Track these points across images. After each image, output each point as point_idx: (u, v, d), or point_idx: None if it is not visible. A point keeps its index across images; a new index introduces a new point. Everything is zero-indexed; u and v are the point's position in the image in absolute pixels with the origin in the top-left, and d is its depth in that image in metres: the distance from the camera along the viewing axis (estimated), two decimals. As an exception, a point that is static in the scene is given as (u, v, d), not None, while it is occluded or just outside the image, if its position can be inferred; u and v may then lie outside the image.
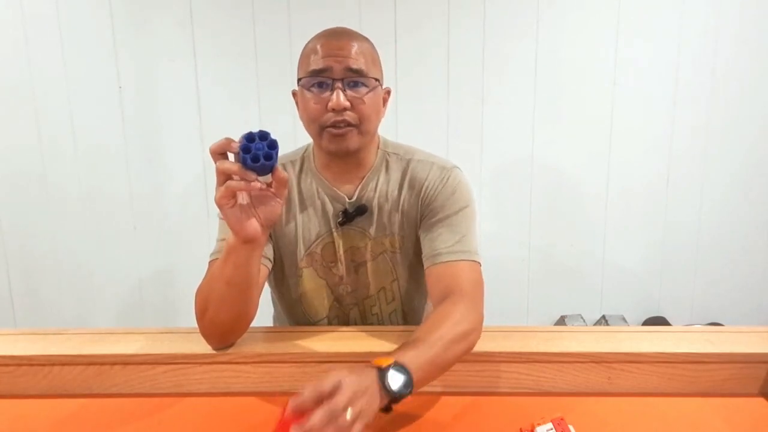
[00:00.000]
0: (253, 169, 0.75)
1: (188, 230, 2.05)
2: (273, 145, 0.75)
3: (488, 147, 2.00)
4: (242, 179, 0.76)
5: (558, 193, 2.04)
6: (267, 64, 1.94)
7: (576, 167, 2.02)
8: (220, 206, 0.79)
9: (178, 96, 1.96)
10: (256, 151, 0.74)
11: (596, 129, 2.00)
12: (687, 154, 2.01)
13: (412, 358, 0.77)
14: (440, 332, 0.83)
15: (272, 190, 0.81)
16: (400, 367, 0.74)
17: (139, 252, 2.06)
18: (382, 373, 0.73)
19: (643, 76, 1.96)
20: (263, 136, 0.75)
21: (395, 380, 0.73)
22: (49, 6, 1.89)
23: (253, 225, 0.81)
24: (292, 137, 1.95)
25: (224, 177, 0.77)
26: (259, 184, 0.77)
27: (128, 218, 2.03)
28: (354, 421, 0.66)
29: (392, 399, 0.73)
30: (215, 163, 0.78)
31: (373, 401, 0.70)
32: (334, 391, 0.67)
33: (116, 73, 1.94)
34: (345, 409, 0.66)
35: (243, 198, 0.80)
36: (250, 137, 0.75)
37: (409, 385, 0.74)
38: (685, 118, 1.98)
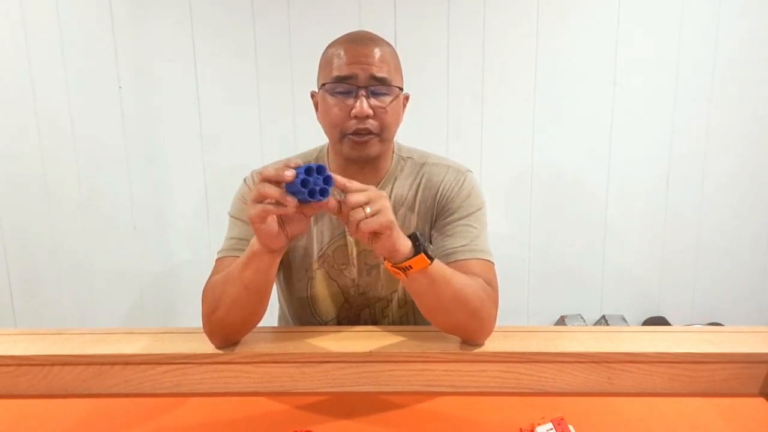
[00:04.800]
0: (304, 201, 0.75)
1: (188, 230, 2.05)
2: (328, 181, 0.75)
3: (488, 147, 2.00)
4: (279, 203, 0.75)
5: (558, 193, 2.04)
6: (267, 64, 1.94)
7: (576, 167, 2.02)
8: (252, 223, 0.79)
9: (178, 96, 1.96)
10: (314, 186, 0.74)
11: (596, 129, 2.00)
12: (687, 154, 2.01)
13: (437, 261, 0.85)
14: (464, 275, 0.90)
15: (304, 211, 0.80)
16: (427, 238, 0.84)
17: (139, 252, 2.06)
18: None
19: (643, 76, 1.96)
20: (320, 170, 0.75)
21: (422, 236, 0.82)
22: (49, 6, 1.89)
23: (281, 238, 0.81)
24: (292, 137, 1.96)
25: (262, 197, 0.76)
26: (293, 210, 0.75)
27: (128, 218, 2.03)
28: (373, 215, 0.77)
29: (414, 241, 0.81)
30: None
31: (391, 222, 0.79)
32: (366, 189, 0.79)
33: (116, 73, 1.94)
34: (366, 201, 0.77)
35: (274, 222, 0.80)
36: (308, 170, 0.74)
37: (431, 246, 0.82)
38: (685, 118, 1.98)
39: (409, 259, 0.81)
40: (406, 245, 0.81)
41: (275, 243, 0.81)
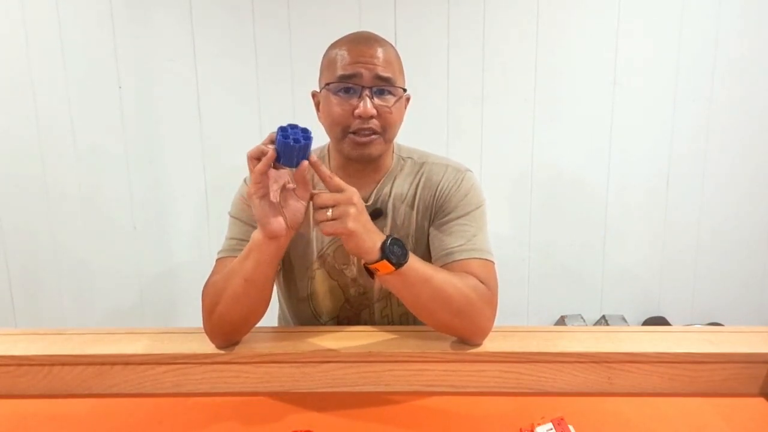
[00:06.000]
0: (292, 151, 0.79)
1: (188, 230, 2.05)
2: (306, 130, 0.81)
3: (488, 147, 2.00)
4: (268, 165, 0.80)
5: (558, 192, 2.04)
6: (267, 64, 1.94)
7: (576, 167, 2.02)
8: (250, 196, 0.83)
9: (178, 96, 1.96)
10: (294, 137, 0.79)
11: (596, 129, 2.00)
12: (687, 154, 2.01)
13: (414, 258, 0.87)
14: (449, 275, 0.91)
15: (293, 186, 0.84)
16: (402, 244, 0.85)
17: (139, 252, 2.06)
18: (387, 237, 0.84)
19: (643, 76, 1.96)
20: (293, 126, 0.81)
21: (394, 241, 0.83)
22: (49, 6, 1.89)
23: (279, 221, 0.84)
24: (292, 137, 1.96)
25: (256, 175, 0.81)
26: (272, 153, 0.80)
27: (128, 218, 2.03)
28: (333, 219, 0.80)
29: (382, 247, 0.82)
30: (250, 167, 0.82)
31: (359, 223, 0.81)
32: (342, 190, 0.81)
33: (116, 73, 1.94)
34: (331, 204, 0.80)
35: (274, 196, 0.83)
36: (283, 129, 0.80)
37: (402, 252, 0.84)
38: (685, 118, 1.98)
39: (374, 262, 0.83)
40: (372, 249, 0.82)
41: (273, 225, 0.83)
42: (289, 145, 0.79)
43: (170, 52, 1.94)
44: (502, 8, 1.92)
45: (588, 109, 1.98)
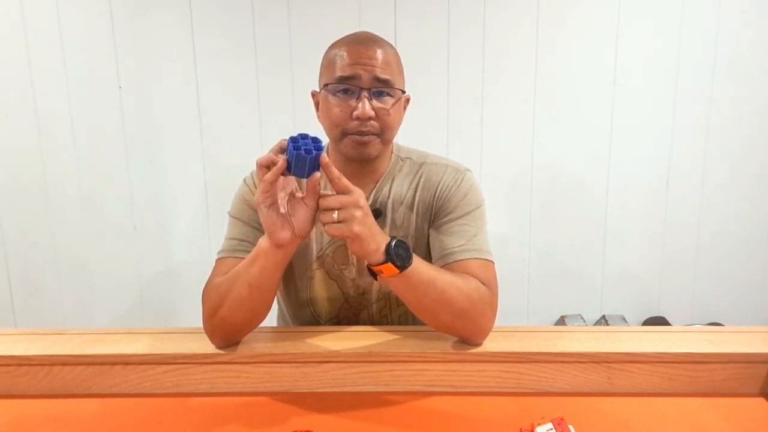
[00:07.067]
0: (304, 162, 0.79)
1: (188, 230, 2.05)
2: (317, 139, 0.81)
3: (488, 147, 2.00)
4: (278, 175, 0.80)
5: (558, 193, 2.04)
6: (267, 64, 1.94)
7: (576, 167, 2.02)
8: (258, 205, 0.82)
9: (178, 96, 1.96)
10: (305, 147, 0.79)
11: (596, 129, 2.00)
12: (687, 154, 2.01)
13: (418, 260, 0.86)
14: (452, 276, 0.91)
15: (302, 194, 0.84)
16: (406, 246, 0.85)
17: (139, 252, 2.06)
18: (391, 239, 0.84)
19: (643, 76, 1.95)
20: (304, 135, 0.81)
21: (399, 243, 0.83)
22: (49, 6, 1.89)
23: (287, 230, 0.84)
24: (292, 137, 1.96)
25: (265, 184, 0.80)
26: (283, 164, 0.79)
27: (128, 218, 2.03)
28: (339, 222, 0.80)
29: (387, 249, 0.82)
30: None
31: (365, 226, 0.80)
32: (349, 192, 0.81)
33: (116, 73, 1.94)
34: (337, 207, 0.80)
35: (282, 205, 0.83)
36: (294, 139, 0.80)
37: (406, 255, 0.84)
38: (685, 118, 1.98)
39: (379, 264, 0.83)
40: (377, 252, 0.82)
41: (281, 234, 0.83)
42: (301, 156, 0.78)
43: (170, 52, 1.94)
44: (502, 8, 1.92)
45: (588, 110, 1.98)
